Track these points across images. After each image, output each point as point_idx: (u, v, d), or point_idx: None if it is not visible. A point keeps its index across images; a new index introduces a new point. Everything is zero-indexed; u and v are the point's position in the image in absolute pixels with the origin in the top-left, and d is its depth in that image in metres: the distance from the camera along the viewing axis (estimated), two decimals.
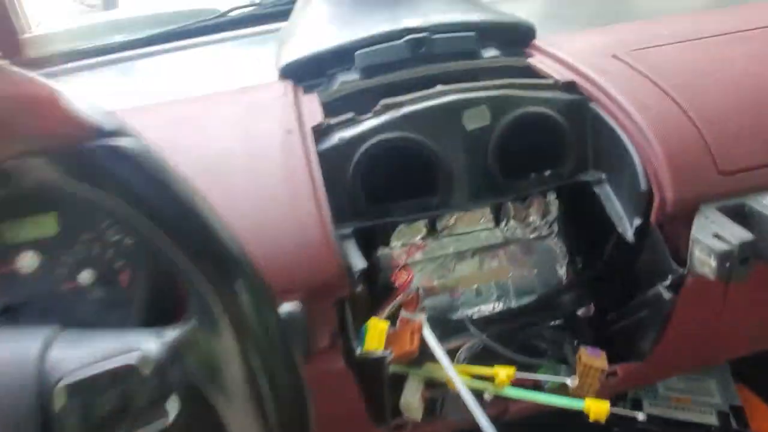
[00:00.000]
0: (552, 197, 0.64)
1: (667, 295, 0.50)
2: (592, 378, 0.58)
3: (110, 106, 0.32)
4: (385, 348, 0.53)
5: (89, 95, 0.30)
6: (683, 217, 0.51)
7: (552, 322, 0.65)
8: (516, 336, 0.63)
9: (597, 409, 0.51)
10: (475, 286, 0.65)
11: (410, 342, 0.52)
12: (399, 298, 0.54)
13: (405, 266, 0.56)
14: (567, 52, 0.66)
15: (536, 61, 0.67)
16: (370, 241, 0.62)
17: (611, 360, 0.59)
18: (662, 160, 0.51)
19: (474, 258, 0.65)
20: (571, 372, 0.58)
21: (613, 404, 0.92)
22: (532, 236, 0.65)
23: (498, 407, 0.60)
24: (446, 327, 0.62)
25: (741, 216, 0.50)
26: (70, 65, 0.96)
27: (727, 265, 0.46)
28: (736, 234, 0.46)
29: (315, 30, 0.72)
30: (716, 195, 0.50)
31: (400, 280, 0.55)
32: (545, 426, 0.72)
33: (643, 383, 0.74)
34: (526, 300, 0.66)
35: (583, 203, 0.62)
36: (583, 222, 0.65)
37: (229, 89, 0.68)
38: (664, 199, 0.51)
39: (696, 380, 0.95)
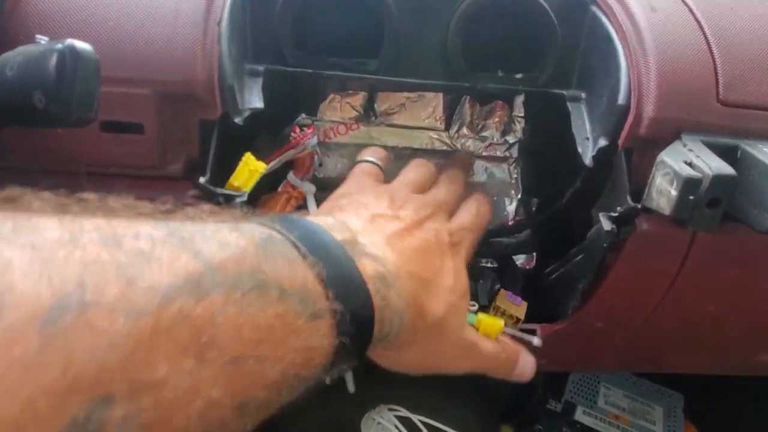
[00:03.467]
0: (519, 113, 0.53)
1: (607, 225, 0.40)
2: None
3: None
4: (259, 208, 0.43)
5: None
6: (659, 147, 0.40)
7: (481, 261, 0.55)
8: None
9: (488, 324, 0.41)
10: None
11: (282, 208, 0.42)
12: (289, 153, 0.44)
13: (310, 124, 0.46)
14: None
15: None
16: (295, 106, 0.52)
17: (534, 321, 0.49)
18: (652, 67, 0.40)
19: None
20: None
21: (546, 401, 0.84)
22: (485, 154, 0.55)
23: None
24: None
25: (730, 160, 0.39)
26: None
27: (691, 198, 0.35)
28: (714, 165, 0.35)
29: None
30: (706, 126, 0.39)
31: (295, 134, 0.45)
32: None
33: (570, 364, 0.63)
34: None
35: (551, 130, 0.51)
36: (547, 154, 0.54)
37: None
38: (640, 115, 0.40)
39: (642, 403, 0.86)
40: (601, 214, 0.40)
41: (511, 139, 0.54)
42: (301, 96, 0.52)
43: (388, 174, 0.53)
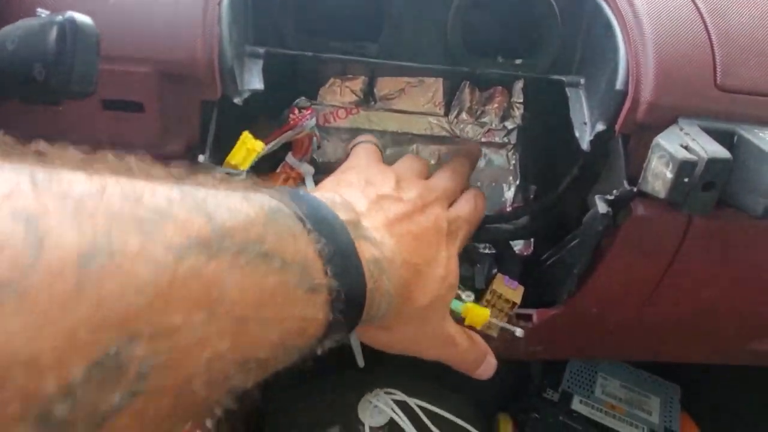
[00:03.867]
0: (518, 99, 0.53)
1: (603, 208, 0.40)
2: (500, 311, 0.48)
3: None
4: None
5: None
6: (656, 132, 0.40)
7: (479, 247, 0.55)
8: None
9: (475, 313, 0.42)
10: None
11: None
12: (287, 134, 0.44)
13: (307, 107, 0.47)
14: None
15: None
16: (295, 89, 0.53)
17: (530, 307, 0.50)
18: (650, 52, 0.40)
19: (410, 146, 0.55)
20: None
21: (543, 389, 0.84)
22: (484, 140, 0.55)
23: None
24: None
25: (727, 145, 0.39)
26: None
27: (686, 181, 0.35)
28: (710, 149, 0.35)
29: None
30: (704, 111, 0.40)
31: (294, 115, 0.45)
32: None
33: (565, 350, 0.63)
34: None
35: (551, 117, 0.51)
36: (546, 141, 0.54)
37: None
38: (638, 100, 0.40)
39: (639, 393, 0.86)
40: (596, 197, 0.41)
41: (510, 125, 0.55)
42: (301, 80, 0.52)
43: (386, 154, 0.54)
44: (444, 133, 0.55)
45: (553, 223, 0.55)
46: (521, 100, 0.53)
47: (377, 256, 0.31)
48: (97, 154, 0.21)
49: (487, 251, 0.56)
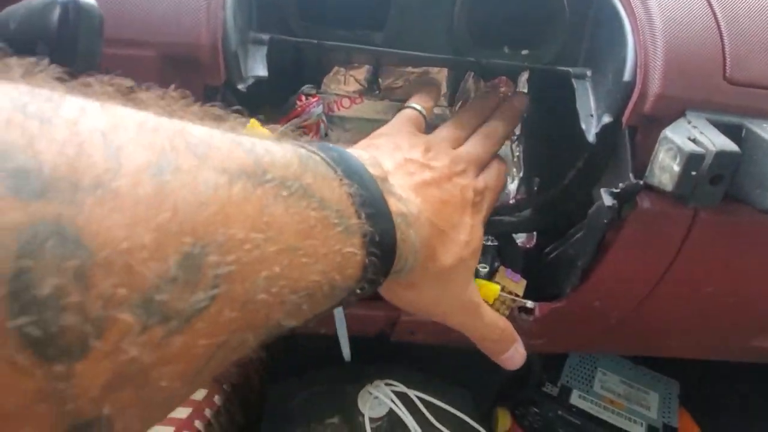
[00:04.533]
0: (522, 89, 0.52)
1: (608, 200, 0.39)
2: (502, 303, 0.48)
3: None
4: None
5: None
6: (663, 125, 0.40)
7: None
8: None
9: (488, 288, 0.42)
10: None
11: None
12: (294, 120, 0.44)
13: (313, 94, 0.46)
14: None
15: None
16: (299, 77, 0.52)
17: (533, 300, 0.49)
18: (659, 43, 0.40)
19: None
20: None
21: (542, 384, 0.84)
22: None
23: (388, 312, 0.51)
24: None
25: (734, 138, 0.38)
26: None
27: (693, 174, 0.35)
28: (718, 142, 0.35)
29: None
30: (712, 104, 0.39)
31: (301, 102, 0.45)
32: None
33: (566, 343, 0.63)
34: None
35: (556, 108, 0.51)
36: (551, 133, 0.54)
37: None
38: (645, 92, 0.40)
39: (638, 389, 0.86)
40: (602, 190, 0.40)
41: None
42: (306, 68, 0.52)
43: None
44: None
45: (556, 217, 0.54)
46: (526, 92, 0.53)
47: (403, 211, 0.31)
48: (137, 92, 0.22)
49: (489, 243, 0.56)
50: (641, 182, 0.39)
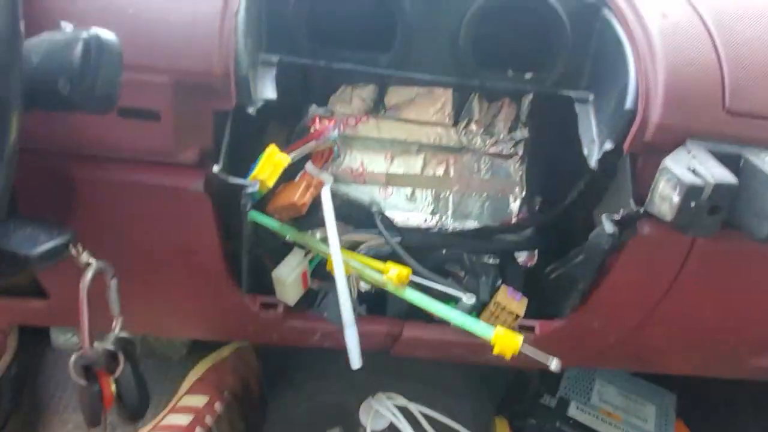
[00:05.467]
0: (525, 110, 0.53)
1: (610, 228, 0.40)
2: (503, 322, 0.49)
3: None
4: (275, 197, 0.44)
5: None
6: (664, 153, 0.40)
7: (484, 258, 0.56)
8: (435, 254, 0.53)
9: (506, 342, 0.42)
10: (411, 189, 0.56)
11: (301, 195, 0.43)
12: (310, 144, 0.45)
13: (329, 117, 0.47)
14: None
15: None
16: (306, 95, 0.53)
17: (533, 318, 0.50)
18: (660, 74, 0.41)
19: (419, 156, 0.55)
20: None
21: (540, 395, 0.85)
22: (491, 150, 0.55)
23: (390, 328, 0.51)
24: (360, 217, 0.53)
25: (733, 168, 0.39)
26: None
27: (692, 205, 0.36)
28: (717, 173, 0.36)
29: None
30: (711, 133, 0.40)
31: (316, 126, 0.45)
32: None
33: (564, 360, 0.64)
34: (464, 225, 0.56)
35: (559, 130, 0.52)
36: (553, 153, 0.55)
37: None
38: (646, 121, 0.41)
39: (635, 401, 0.87)
40: (603, 216, 0.41)
41: (517, 136, 0.55)
42: (312, 87, 0.53)
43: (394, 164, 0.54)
44: (452, 143, 0.55)
45: (558, 236, 0.55)
46: (528, 113, 0.54)
47: None
48: None
49: (491, 261, 0.57)
50: (641, 210, 0.40)
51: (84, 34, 0.27)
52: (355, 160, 0.54)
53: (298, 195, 0.43)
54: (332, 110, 0.53)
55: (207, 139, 0.40)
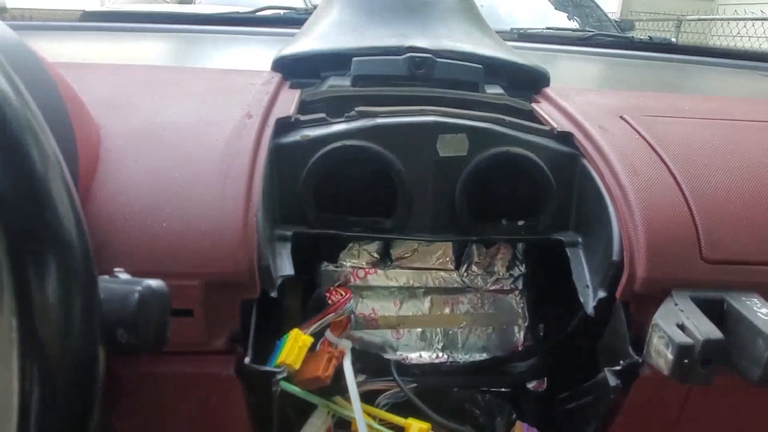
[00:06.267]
0: (521, 250, 0.58)
1: (613, 381, 0.43)
2: None
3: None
4: (299, 368, 0.47)
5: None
6: (653, 299, 0.44)
7: (496, 389, 0.58)
8: (450, 395, 0.56)
9: None
10: (421, 329, 0.59)
11: (325, 368, 0.46)
12: (329, 317, 0.48)
13: (344, 285, 0.51)
14: (575, 104, 0.61)
15: (540, 107, 0.63)
16: (317, 253, 0.57)
17: None
18: (640, 231, 0.45)
19: (426, 298, 0.59)
20: None
21: None
22: (493, 288, 0.59)
23: None
24: (377, 366, 0.56)
25: (717, 313, 0.43)
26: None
27: (686, 362, 0.39)
28: (704, 329, 0.40)
29: (321, 32, 0.70)
30: (694, 282, 0.44)
31: (334, 298, 0.49)
32: None
33: None
34: (474, 357, 0.59)
35: (553, 265, 0.56)
36: (551, 285, 0.59)
37: (218, 68, 0.65)
38: (633, 275, 0.45)
39: None
40: (606, 370, 0.44)
41: (516, 273, 0.59)
42: (323, 246, 0.57)
43: (403, 308, 0.58)
44: (456, 285, 0.59)
45: (564, 360, 0.58)
46: (524, 251, 0.58)
47: None
48: None
49: (502, 390, 0.59)
50: (641, 360, 0.43)
51: (138, 287, 0.31)
52: (367, 307, 0.58)
53: (321, 368, 0.46)
54: (341, 265, 0.57)
55: (235, 326, 0.44)
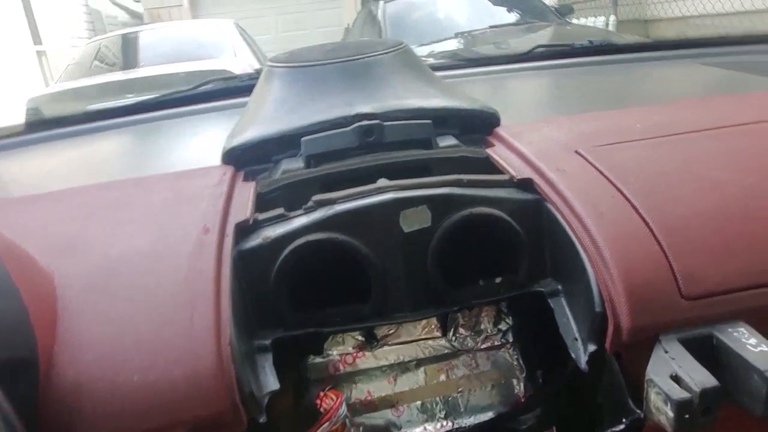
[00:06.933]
0: (504, 305, 0.57)
1: None
2: None
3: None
4: None
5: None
6: (643, 345, 0.44)
7: None
8: None
9: None
10: (420, 402, 0.58)
11: None
12: (324, 427, 0.47)
13: (332, 389, 0.50)
14: (529, 143, 0.61)
15: (495, 152, 0.62)
16: (301, 348, 0.56)
17: None
18: (617, 281, 0.45)
19: (419, 370, 0.58)
20: None
21: None
22: (484, 346, 0.58)
23: None
24: None
25: (708, 349, 0.43)
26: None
27: (687, 417, 0.38)
28: (698, 378, 0.39)
29: (266, 115, 0.69)
30: (679, 322, 0.44)
31: (326, 405, 0.48)
32: None
33: None
34: (479, 419, 0.58)
35: (539, 313, 0.55)
36: (540, 332, 0.58)
37: (166, 173, 0.64)
38: (619, 325, 0.44)
39: None
40: (610, 431, 0.43)
41: (503, 326, 0.58)
42: (306, 341, 0.56)
43: (398, 384, 0.57)
44: (447, 350, 0.58)
45: (568, 404, 0.57)
46: (507, 304, 0.57)
47: None
48: None
49: None
50: (642, 415, 0.42)
51: None
52: (361, 391, 0.56)
53: None
54: (327, 355, 0.56)
55: None
